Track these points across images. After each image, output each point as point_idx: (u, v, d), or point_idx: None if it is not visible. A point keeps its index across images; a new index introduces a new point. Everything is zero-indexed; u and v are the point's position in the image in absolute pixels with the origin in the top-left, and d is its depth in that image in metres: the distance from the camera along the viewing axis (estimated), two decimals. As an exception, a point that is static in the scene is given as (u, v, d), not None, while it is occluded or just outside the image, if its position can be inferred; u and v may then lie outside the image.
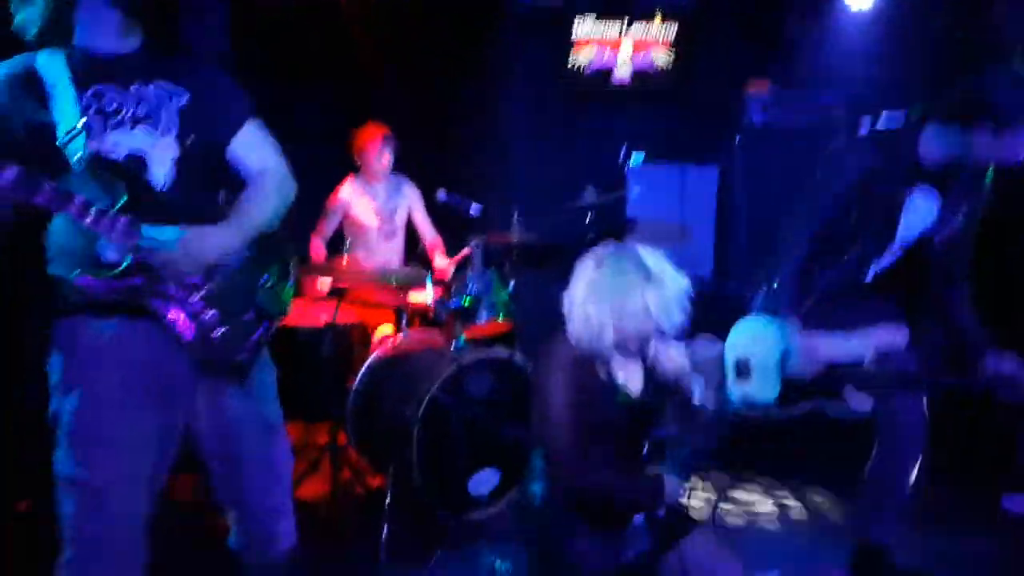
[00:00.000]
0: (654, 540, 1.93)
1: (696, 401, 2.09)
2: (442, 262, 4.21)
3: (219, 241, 1.79)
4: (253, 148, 1.93)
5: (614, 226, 4.49)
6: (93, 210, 1.63)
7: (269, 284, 1.92)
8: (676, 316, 1.94)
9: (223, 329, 1.81)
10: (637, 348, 2.02)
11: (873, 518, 2.72)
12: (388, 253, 4.19)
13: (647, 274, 1.92)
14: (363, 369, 3.33)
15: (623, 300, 1.90)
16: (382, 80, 4.51)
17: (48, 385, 1.77)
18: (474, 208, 4.06)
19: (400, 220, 4.21)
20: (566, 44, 4.63)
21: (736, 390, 2.88)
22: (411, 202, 4.25)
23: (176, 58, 1.85)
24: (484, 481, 3.13)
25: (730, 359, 2.90)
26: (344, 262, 3.64)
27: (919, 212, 2.55)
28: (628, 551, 1.89)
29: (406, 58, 4.42)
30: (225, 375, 1.86)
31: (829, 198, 2.58)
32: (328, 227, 4.08)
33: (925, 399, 2.65)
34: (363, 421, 3.28)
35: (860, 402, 2.68)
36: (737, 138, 4.59)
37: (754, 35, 4.63)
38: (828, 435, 3.24)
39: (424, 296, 3.63)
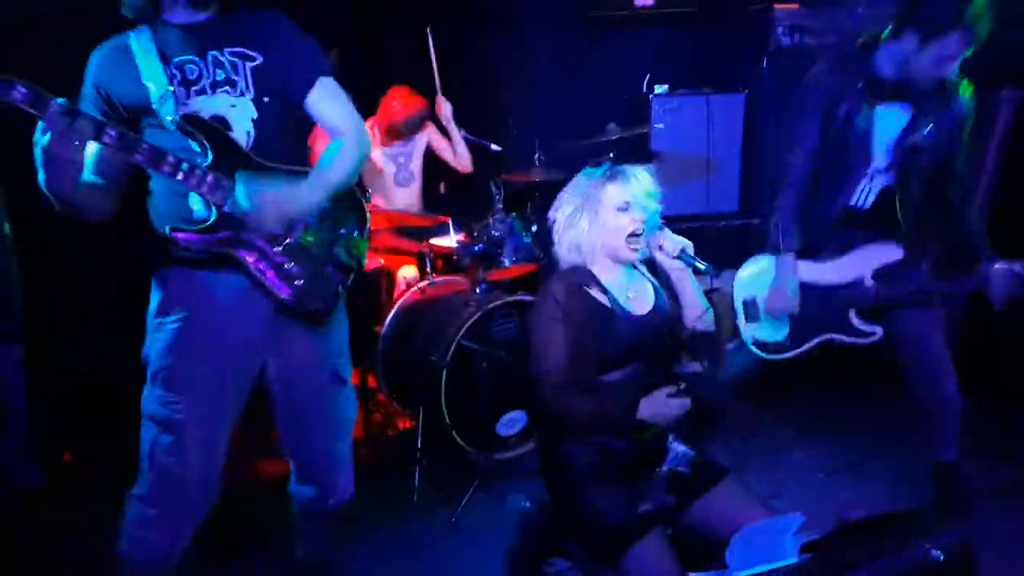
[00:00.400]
0: (675, 494, 1.97)
1: (702, 268, 2.05)
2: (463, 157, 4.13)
3: (300, 197, 1.89)
4: (327, 104, 1.99)
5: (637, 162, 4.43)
6: (184, 167, 1.79)
7: (346, 238, 2.03)
8: (648, 203, 2.04)
9: (303, 280, 1.93)
10: (625, 251, 2.05)
11: (937, 440, 2.76)
12: (407, 198, 4.17)
13: (609, 173, 2.06)
14: (390, 315, 3.38)
15: (594, 201, 2.04)
16: (397, 19, 4.39)
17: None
18: (494, 146, 4.03)
19: (416, 166, 4.17)
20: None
21: (747, 331, 2.89)
22: (429, 138, 4.19)
23: (247, 23, 1.93)
24: (512, 422, 3.21)
25: (738, 301, 2.90)
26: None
27: (888, 125, 2.56)
28: (647, 504, 1.93)
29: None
30: (302, 323, 1.98)
31: (805, 126, 2.61)
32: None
33: (940, 313, 2.68)
34: (392, 366, 3.36)
35: (869, 326, 2.70)
36: (764, 62, 4.44)
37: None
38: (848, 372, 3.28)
39: (447, 240, 3.64)
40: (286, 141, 1.97)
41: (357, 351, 3.35)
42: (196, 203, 1.86)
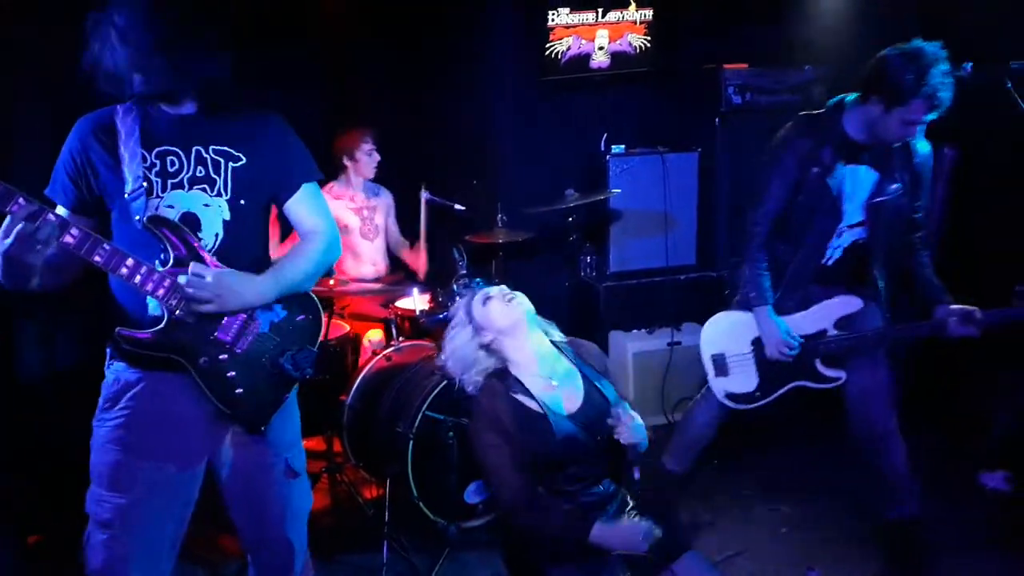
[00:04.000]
0: (634, 572, 2.01)
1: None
2: (412, 258, 4.23)
3: (253, 287, 1.88)
4: (305, 211, 2.02)
5: (595, 224, 4.54)
6: (143, 269, 1.78)
7: (295, 350, 1.98)
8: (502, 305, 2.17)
9: (242, 390, 1.91)
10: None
11: (888, 496, 2.88)
12: (373, 253, 4.23)
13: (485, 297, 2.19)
14: (356, 383, 3.40)
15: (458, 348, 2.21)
16: (357, 81, 4.47)
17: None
18: (458, 206, 4.11)
19: (380, 221, 4.25)
20: (543, 33, 4.58)
21: (718, 385, 2.97)
22: (388, 207, 4.30)
23: (237, 121, 1.94)
24: (480, 489, 3.22)
25: (706, 357, 2.98)
26: (330, 273, 3.67)
27: (858, 183, 2.69)
28: None
29: (385, 55, 4.38)
30: (246, 428, 1.96)
31: (775, 187, 2.73)
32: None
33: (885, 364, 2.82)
34: (358, 436, 3.36)
35: (834, 371, 2.81)
36: (716, 121, 4.59)
37: (729, 16, 4.58)
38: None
39: (412, 303, 3.68)
40: (253, 244, 1.98)
41: (323, 418, 3.41)
42: (152, 303, 1.86)
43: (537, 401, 2.09)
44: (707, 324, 3.03)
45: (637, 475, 2.31)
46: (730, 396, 2.96)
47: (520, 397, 2.09)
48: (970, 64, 2.66)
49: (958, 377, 3.86)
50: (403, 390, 3.25)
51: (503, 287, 2.23)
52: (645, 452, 2.15)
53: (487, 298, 2.17)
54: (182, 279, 1.79)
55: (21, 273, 1.74)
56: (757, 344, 2.89)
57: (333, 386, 3.44)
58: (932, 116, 2.49)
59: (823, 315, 2.83)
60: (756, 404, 2.95)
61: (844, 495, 3.41)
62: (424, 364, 3.37)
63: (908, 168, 2.68)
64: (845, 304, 2.80)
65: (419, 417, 3.06)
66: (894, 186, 2.66)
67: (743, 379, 2.94)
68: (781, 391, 2.91)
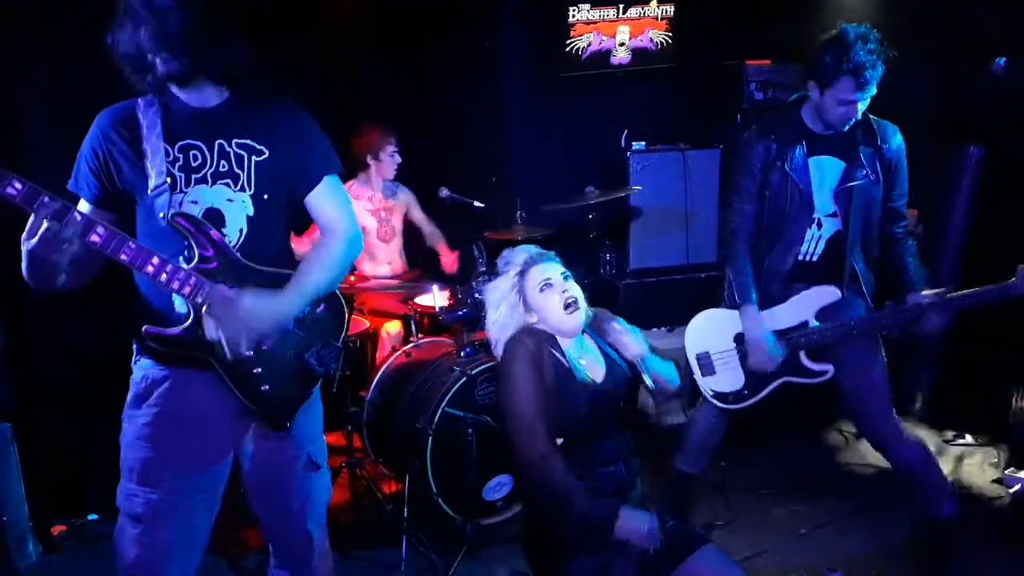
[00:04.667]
0: (651, 567, 2.01)
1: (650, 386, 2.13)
2: (448, 257, 4.28)
3: (279, 309, 1.87)
4: (327, 202, 2.00)
5: (615, 221, 4.52)
6: (168, 268, 1.77)
7: (319, 346, 1.99)
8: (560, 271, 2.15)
9: (268, 387, 1.92)
10: (569, 322, 2.11)
11: (919, 498, 2.83)
12: (389, 254, 4.25)
13: (520, 267, 2.15)
14: (375, 380, 3.42)
15: (517, 295, 2.13)
16: (377, 78, 4.48)
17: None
18: (477, 203, 4.12)
19: (397, 222, 4.27)
20: (563, 29, 4.57)
21: (705, 384, 2.94)
22: (408, 203, 4.31)
23: (259, 112, 1.92)
24: (498, 486, 3.23)
25: (691, 356, 2.96)
26: (350, 271, 3.69)
27: (825, 173, 2.72)
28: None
29: (401, 53, 4.39)
30: (272, 425, 1.98)
31: (744, 186, 2.77)
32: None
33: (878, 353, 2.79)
34: (377, 432, 3.38)
35: (820, 365, 2.79)
36: (738, 118, 4.56)
37: (750, 11, 4.55)
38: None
39: (432, 299, 3.69)
40: (276, 238, 1.98)
41: (343, 416, 3.43)
42: (178, 300, 1.86)
43: (569, 362, 2.09)
44: (690, 324, 3.00)
45: (651, 382, 2.24)
46: (718, 396, 2.92)
47: (556, 353, 2.09)
48: (1003, 60, 2.62)
49: (983, 377, 3.81)
50: (423, 386, 3.26)
51: (564, 280, 2.15)
52: (677, 392, 2.13)
53: (546, 285, 2.12)
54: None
55: (47, 271, 1.75)
56: (740, 340, 2.87)
57: (353, 382, 3.46)
58: (864, 94, 2.53)
59: (802, 306, 2.79)
60: (745, 403, 2.90)
61: (857, 493, 3.39)
62: (443, 360, 3.38)
63: (880, 157, 2.69)
64: (823, 294, 2.76)
65: (439, 413, 3.07)
66: (862, 172, 2.67)
67: (729, 377, 2.91)
68: (769, 388, 2.87)
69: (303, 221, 2.10)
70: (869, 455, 3.42)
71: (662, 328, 4.35)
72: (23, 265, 1.75)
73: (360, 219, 4.09)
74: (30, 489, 3.11)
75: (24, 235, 1.70)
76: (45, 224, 1.62)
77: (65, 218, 1.63)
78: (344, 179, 2.10)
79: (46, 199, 1.62)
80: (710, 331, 2.93)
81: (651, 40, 4.79)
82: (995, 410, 3.76)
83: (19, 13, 3.22)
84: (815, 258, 2.79)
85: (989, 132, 3.62)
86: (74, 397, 3.36)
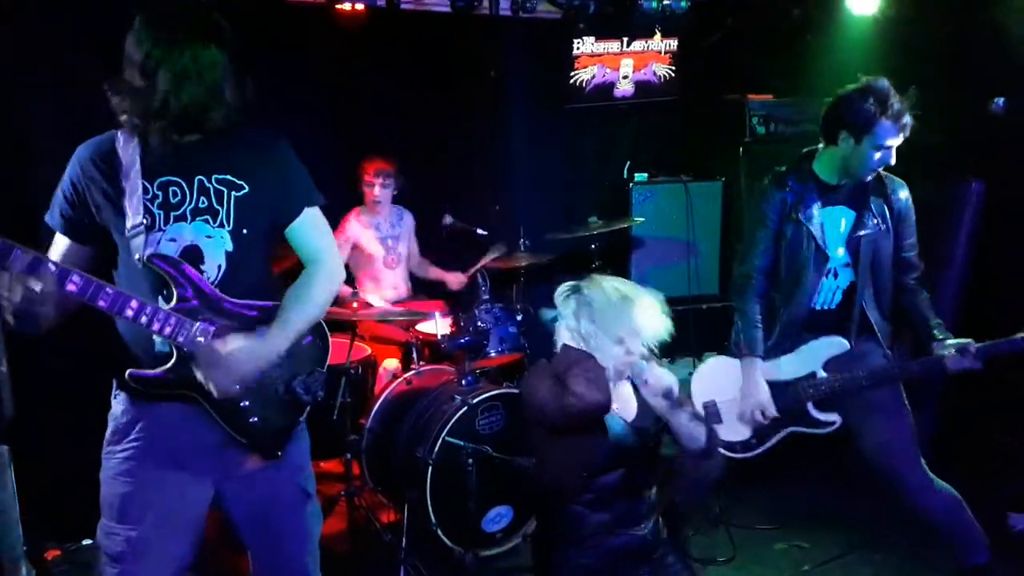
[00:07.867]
0: None
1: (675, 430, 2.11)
2: (452, 276, 4.30)
3: (266, 352, 1.85)
4: (306, 237, 1.98)
5: (618, 251, 4.54)
6: (148, 310, 1.75)
7: (306, 374, 1.97)
8: (662, 331, 2.13)
9: (256, 418, 1.90)
10: (627, 370, 2.12)
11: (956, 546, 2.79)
12: (394, 280, 4.26)
13: (626, 296, 2.10)
14: (375, 408, 3.40)
15: (615, 322, 2.07)
16: (383, 108, 4.51)
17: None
18: (480, 231, 4.14)
19: (403, 248, 4.29)
20: (568, 61, 4.62)
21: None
22: (410, 230, 4.34)
23: (238, 147, 1.90)
24: (498, 517, 3.20)
25: (698, 405, 2.93)
26: (353, 297, 3.69)
27: (836, 223, 2.75)
28: None
29: (406, 85, 4.42)
30: (263, 455, 1.95)
31: (761, 241, 2.79)
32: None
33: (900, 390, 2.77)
34: (377, 460, 3.36)
35: (827, 415, 2.77)
36: (740, 150, 4.59)
37: (754, 46, 4.60)
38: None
39: (434, 327, 3.68)
40: (256, 271, 1.95)
41: (342, 441, 3.41)
42: (158, 339, 1.82)
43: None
44: (696, 371, 3.00)
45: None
46: (726, 445, 2.89)
47: None
48: (1002, 99, 2.66)
49: (988, 418, 3.78)
50: (423, 414, 3.25)
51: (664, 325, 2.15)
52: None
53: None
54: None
55: (34, 323, 1.70)
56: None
57: (353, 409, 3.44)
58: (899, 139, 2.58)
59: (809, 357, 2.79)
60: (753, 452, 2.89)
61: (858, 528, 3.36)
62: (444, 389, 3.36)
63: (889, 208, 2.74)
64: (831, 346, 2.76)
65: (439, 442, 3.05)
66: (872, 221, 2.72)
67: (737, 426, 2.89)
68: (777, 437, 2.86)
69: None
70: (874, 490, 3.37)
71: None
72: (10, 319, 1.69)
73: (367, 247, 4.13)
74: (24, 513, 3.06)
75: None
76: (21, 282, 1.61)
77: (39, 269, 1.63)
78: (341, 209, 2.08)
79: (18, 252, 1.61)
80: (717, 379, 2.91)
81: (654, 73, 4.84)
82: (996, 450, 3.73)
83: (19, 13, 3.22)
84: (833, 306, 2.80)
85: (992, 168, 3.63)
86: (71, 421, 3.32)
